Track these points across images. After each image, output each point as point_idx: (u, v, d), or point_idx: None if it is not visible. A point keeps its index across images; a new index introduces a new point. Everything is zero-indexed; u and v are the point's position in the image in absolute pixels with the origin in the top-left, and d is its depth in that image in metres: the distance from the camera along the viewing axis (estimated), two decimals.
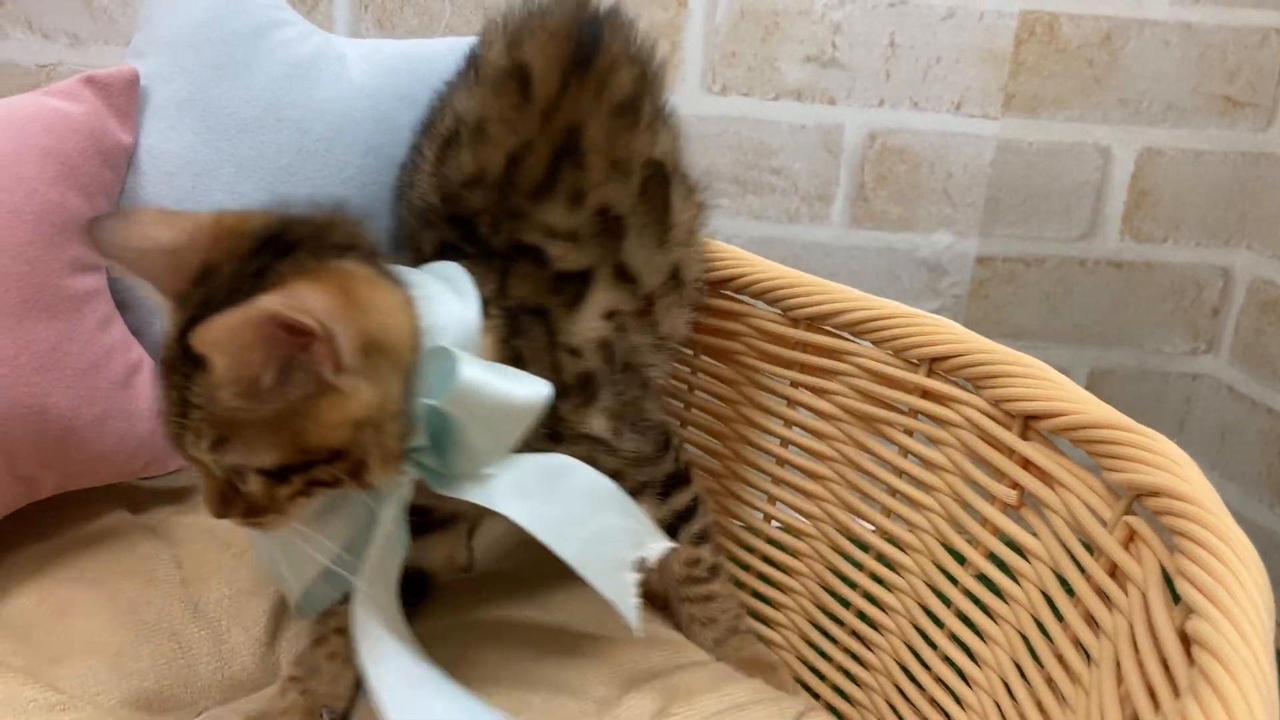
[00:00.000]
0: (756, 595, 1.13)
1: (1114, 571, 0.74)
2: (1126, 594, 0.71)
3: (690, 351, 1.16)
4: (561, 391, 0.82)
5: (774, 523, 1.11)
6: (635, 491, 0.89)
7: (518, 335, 0.87)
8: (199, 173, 1.09)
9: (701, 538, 1.02)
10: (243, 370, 0.68)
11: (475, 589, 1.07)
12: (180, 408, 0.72)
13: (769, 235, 1.14)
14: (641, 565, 0.79)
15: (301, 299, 0.66)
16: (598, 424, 0.91)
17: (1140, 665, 0.65)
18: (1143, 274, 1.48)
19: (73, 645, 0.92)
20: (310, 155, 1.11)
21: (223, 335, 0.65)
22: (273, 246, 0.75)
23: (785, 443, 1.09)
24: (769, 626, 1.12)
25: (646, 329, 0.96)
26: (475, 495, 0.79)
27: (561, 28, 0.94)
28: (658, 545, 0.81)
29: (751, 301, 1.10)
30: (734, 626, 1.03)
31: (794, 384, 1.07)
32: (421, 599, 1.01)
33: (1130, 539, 0.73)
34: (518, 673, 0.95)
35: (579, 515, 0.80)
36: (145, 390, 1.02)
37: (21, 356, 0.92)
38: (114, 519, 1.07)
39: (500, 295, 0.88)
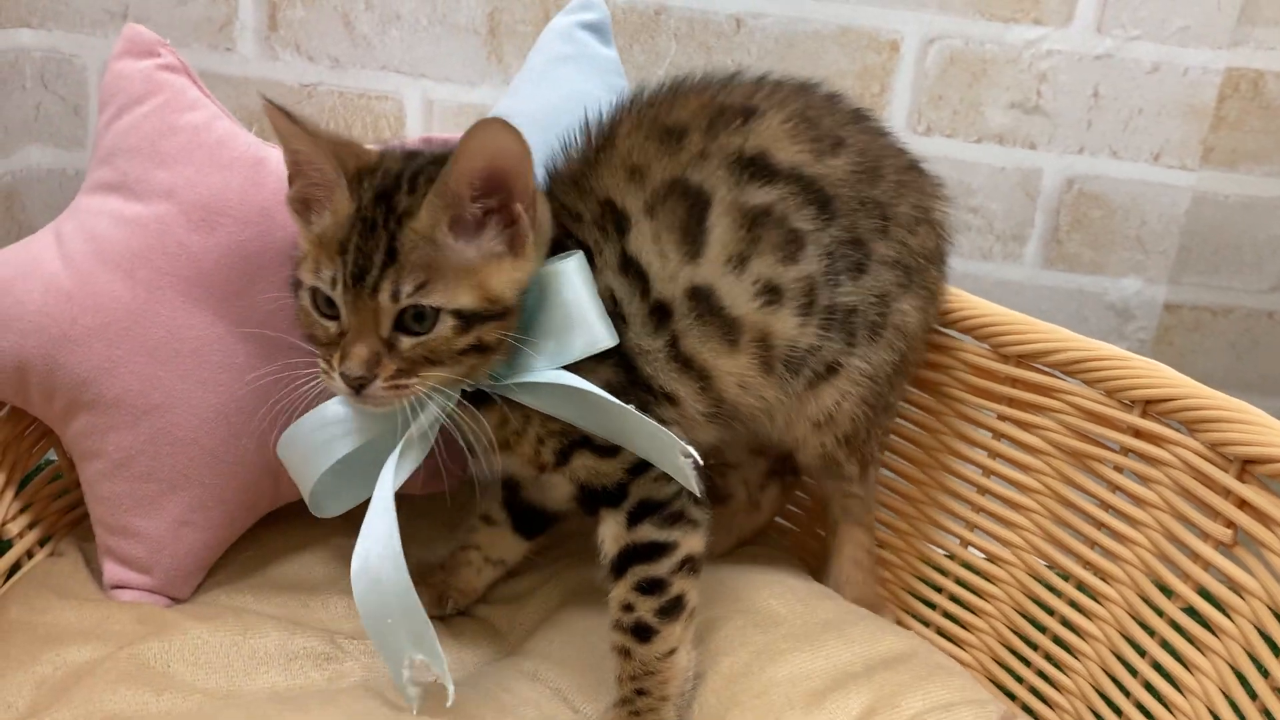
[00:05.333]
0: (947, 615, 1.19)
1: None
2: None
3: None
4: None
5: (971, 548, 1.17)
6: (632, 510, 0.97)
7: None
8: None
9: (649, 589, 0.96)
10: (464, 192, 0.86)
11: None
12: (386, 255, 0.86)
13: (962, 271, 1.19)
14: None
15: (522, 163, 0.87)
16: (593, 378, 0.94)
17: None
18: None
19: None
20: None
21: (475, 148, 0.84)
22: (427, 158, 0.93)
23: (988, 473, 1.14)
24: (960, 647, 1.17)
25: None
26: (537, 377, 0.92)
27: None
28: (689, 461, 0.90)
29: (960, 336, 1.16)
30: (630, 700, 0.95)
31: (1001, 417, 1.13)
32: (540, 531, 1.15)
33: None
34: (728, 671, 1.02)
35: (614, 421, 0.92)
36: None
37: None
38: None
39: None
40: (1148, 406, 0.99)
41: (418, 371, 0.88)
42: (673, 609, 0.95)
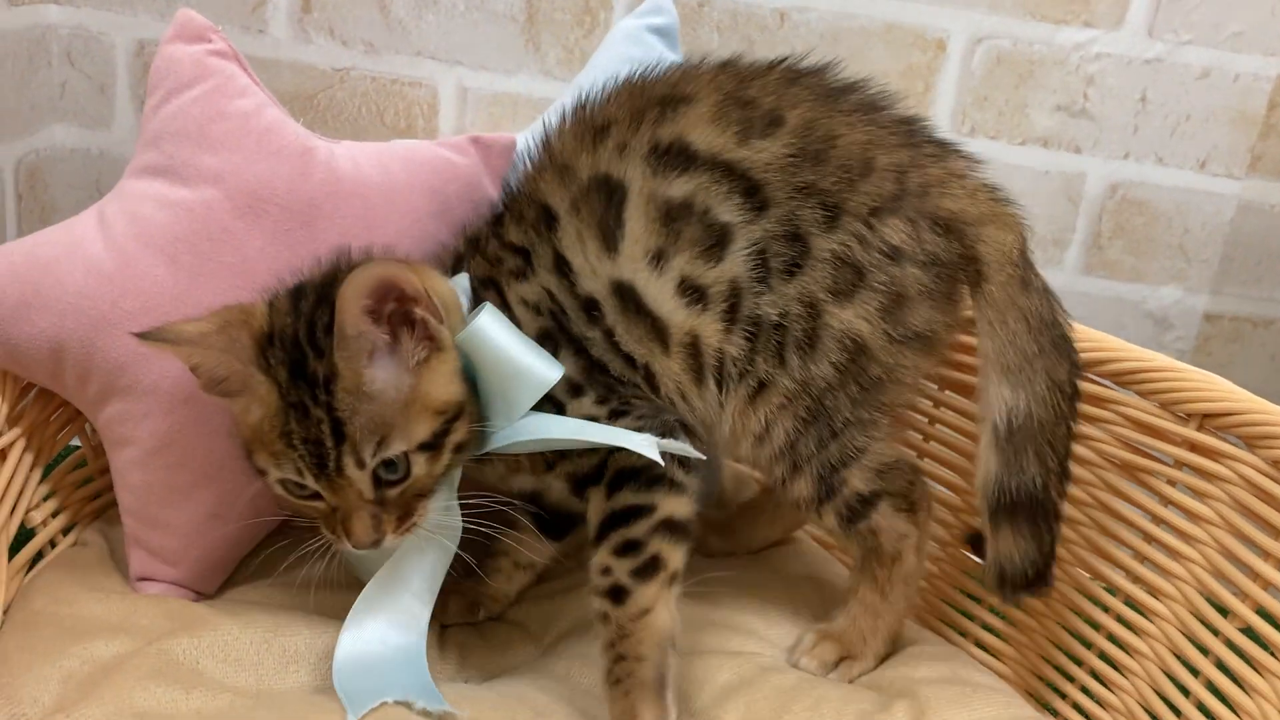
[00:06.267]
0: (986, 627, 1.16)
1: None
2: None
3: (935, 387, 1.20)
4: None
5: None
6: (611, 480, 0.95)
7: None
8: None
9: (625, 550, 0.92)
10: (363, 327, 0.84)
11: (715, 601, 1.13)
12: (334, 435, 0.86)
13: None
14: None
15: (392, 269, 0.84)
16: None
17: None
18: None
19: None
20: None
21: (350, 293, 0.83)
22: (309, 290, 0.92)
23: None
24: (997, 658, 1.15)
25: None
26: (503, 439, 0.92)
27: None
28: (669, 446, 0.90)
29: None
30: (610, 670, 0.91)
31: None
32: (567, 532, 1.12)
33: None
34: (779, 683, 1.00)
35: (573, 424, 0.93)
36: None
37: None
38: None
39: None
40: (1205, 420, 0.97)
41: (415, 508, 0.90)
42: (649, 569, 0.91)
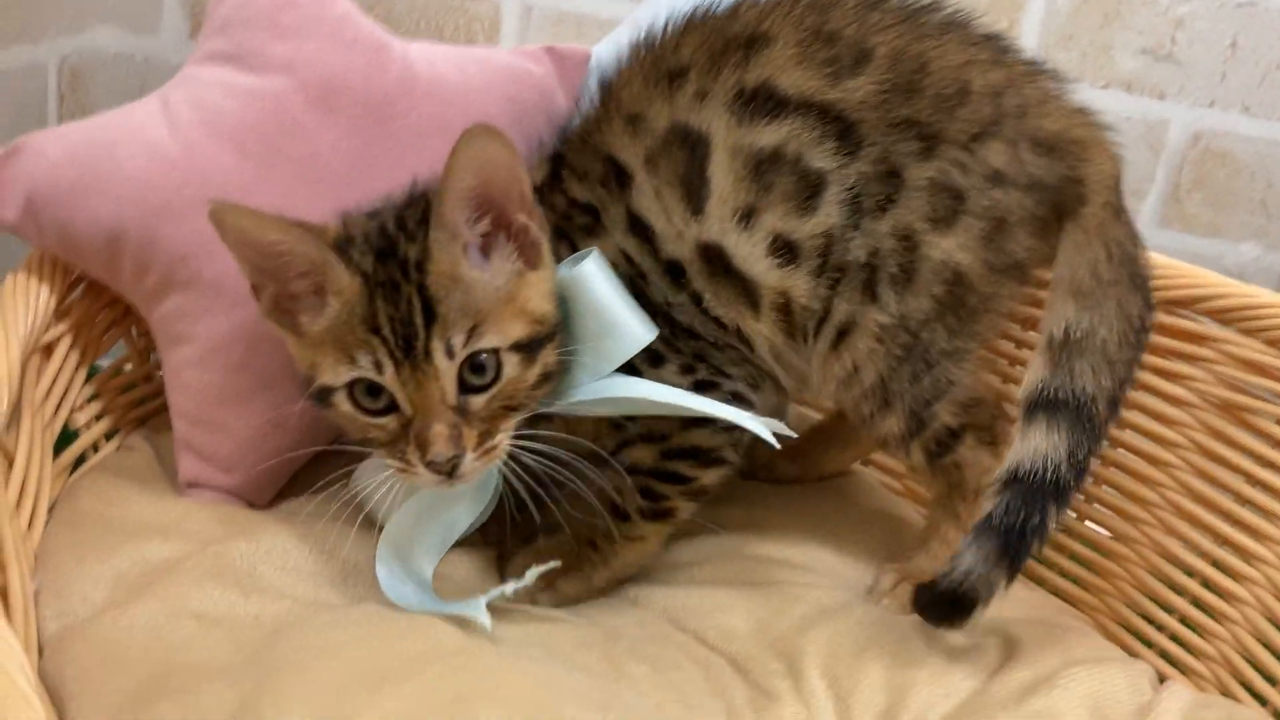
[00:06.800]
0: (1064, 575, 1.12)
1: None
2: None
3: (1019, 328, 1.15)
4: None
5: (1098, 504, 1.10)
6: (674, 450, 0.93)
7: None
8: None
9: (649, 495, 0.94)
10: (464, 214, 0.80)
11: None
12: (424, 313, 0.79)
13: None
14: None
15: (509, 148, 0.80)
16: None
17: None
18: None
19: None
20: None
21: (460, 163, 0.78)
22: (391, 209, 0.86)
23: (1123, 425, 1.07)
24: (1075, 606, 1.10)
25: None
26: (587, 394, 0.87)
27: None
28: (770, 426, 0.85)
29: None
30: (588, 547, 0.96)
31: (1141, 366, 1.05)
32: None
33: None
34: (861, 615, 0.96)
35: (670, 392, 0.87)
36: None
37: None
38: None
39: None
40: None
41: (499, 428, 0.83)
42: (660, 515, 0.94)
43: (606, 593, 0.96)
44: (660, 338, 0.89)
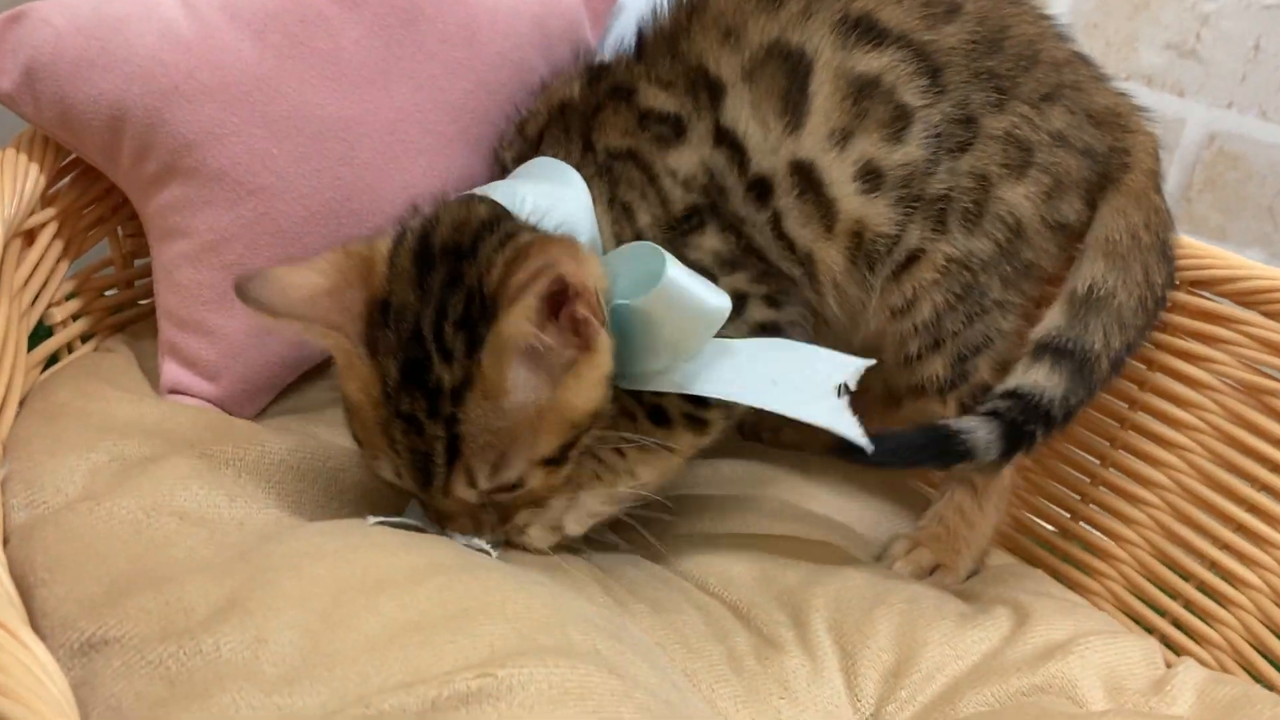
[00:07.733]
0: (1067, 559, 1.09)
1: None
2: None
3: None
4: (669, 223, 0.87)
5: (1102, 488, 1.07)
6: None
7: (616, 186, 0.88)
8: None
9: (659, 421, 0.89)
10: (530, 338, 0.72)
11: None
12: (447, 453, 0.74)
13: None
14: (844, 389, 0.79)
15: (569, 268, 0.69)
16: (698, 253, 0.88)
17: None
18: None
19: None
20: None
21: (524, 306, 0.70)
22: (438, 256, 0.76)
23: (1135, 406, 1.05)
24: (1089, 575, 1.07)
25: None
26: (664, 385, 0.81)
27: None
28: (851, 367, 0.79)
29: None
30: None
31: (1158, 346, 1.04)
32: None
33: None
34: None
35: (762, 374, 0.80)
36: None
37: (458, 183, 0.95)
38: None
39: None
40: None
41: (520, 514, 0.83)
42: (699, 424, 0.88)
43: (618, 512, 0.89)
44: (734, 246, 0.89)
